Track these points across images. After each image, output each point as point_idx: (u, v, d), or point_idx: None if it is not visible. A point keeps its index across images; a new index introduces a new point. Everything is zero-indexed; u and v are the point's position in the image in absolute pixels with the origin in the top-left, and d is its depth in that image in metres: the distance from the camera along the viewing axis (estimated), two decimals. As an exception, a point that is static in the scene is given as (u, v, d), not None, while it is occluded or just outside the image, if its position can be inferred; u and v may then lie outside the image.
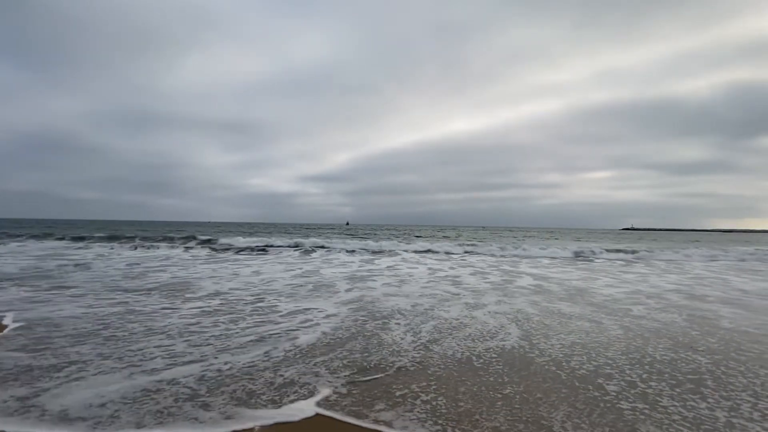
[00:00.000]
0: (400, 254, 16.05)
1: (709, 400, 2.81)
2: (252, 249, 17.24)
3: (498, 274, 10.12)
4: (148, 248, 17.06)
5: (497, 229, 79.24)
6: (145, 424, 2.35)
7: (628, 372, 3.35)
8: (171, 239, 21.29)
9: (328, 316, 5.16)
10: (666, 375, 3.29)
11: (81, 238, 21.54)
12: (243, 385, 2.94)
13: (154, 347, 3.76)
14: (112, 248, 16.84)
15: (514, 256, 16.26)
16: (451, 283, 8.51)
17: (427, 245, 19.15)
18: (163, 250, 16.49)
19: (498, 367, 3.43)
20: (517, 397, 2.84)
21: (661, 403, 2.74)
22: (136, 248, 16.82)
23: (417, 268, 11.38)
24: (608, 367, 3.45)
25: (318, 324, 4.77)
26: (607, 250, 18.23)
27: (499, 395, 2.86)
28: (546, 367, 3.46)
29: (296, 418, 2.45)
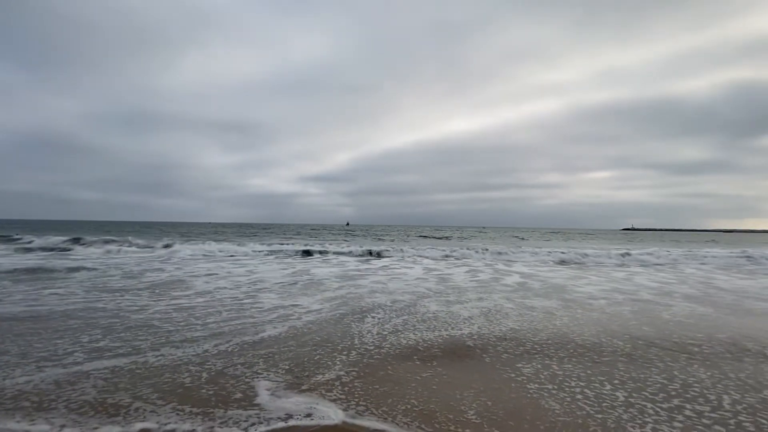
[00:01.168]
0: (396, 254, 16.32)
1: (615, 381, 3.14)
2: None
3: (489, 273, 10.44)
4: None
5: (497, 230, 79.41)
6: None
7: (548, 355, 3.74)
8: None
9: (308, 312, 5.46)
10: (585, 358, 3.66)
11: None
12: (154, 381, 2.96)
13: (88, 341, 3.89)
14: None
15: (511, 255, 16.52)
16: (439, 281, 8.82)
17: (425, 246, 19.42)
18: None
19: (436, 352, 3.81)
20: (437, 379, 3.17)
21: (567, 384, 3.08)
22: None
23: (412, 267, 11.65)
24: (533, 351, 3.86)
25: (295, 318, 5.06)
26: (603, 251, 18.46)
27: (419, 378, 3.17)
28: (477, 351, 3.86)
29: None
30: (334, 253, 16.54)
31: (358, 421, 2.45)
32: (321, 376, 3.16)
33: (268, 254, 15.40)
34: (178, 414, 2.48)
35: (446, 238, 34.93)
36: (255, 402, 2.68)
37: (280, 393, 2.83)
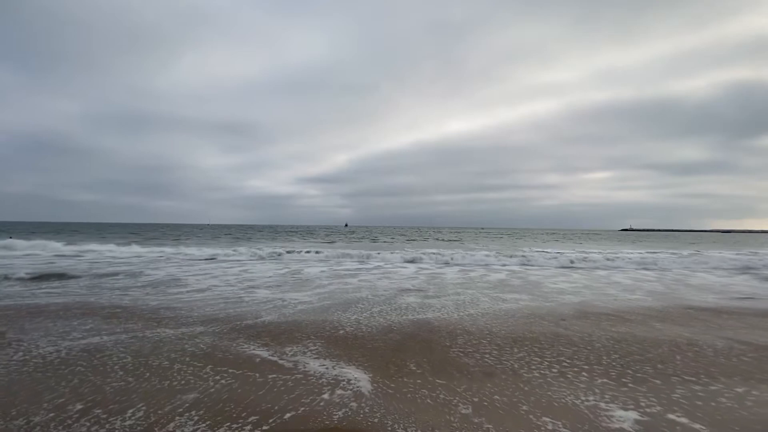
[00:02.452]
0: (392, 254, 16.86)
1: (518, 353, 3.78)
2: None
3: (481, 271, 11.03)
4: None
5: (496, 231, 79.85)
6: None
7: (486, 329, 4.58)
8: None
9: (299, 303, 6.06)
10: (508, 338, 4.31)
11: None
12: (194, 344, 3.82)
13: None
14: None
15: (504, 255, 17.07)
16: (428, 278, 9.42)
17: (422, 246, 19.96)
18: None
19: (402, 327, 4.56)
20: (396, 344, 4.02)
21: (485, 348, 3.89)
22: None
23: (406, 267, 12.22)
24: (476, 327, 4.65)
25: (284, 307, 5.67)
26: (598, 251, 18.99)
27: (382, 343, 3.96)
28: (435, 326, 4.70)
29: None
30: (327, 254, 17.07)
31: (339, 372, 3.06)
32: (310, 343, 3.97)
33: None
34: (217, 370, 3.10)
35: (444, 240, 35.42)
36: (261, 358, 3.34)
37: (276, 354, 3.59)
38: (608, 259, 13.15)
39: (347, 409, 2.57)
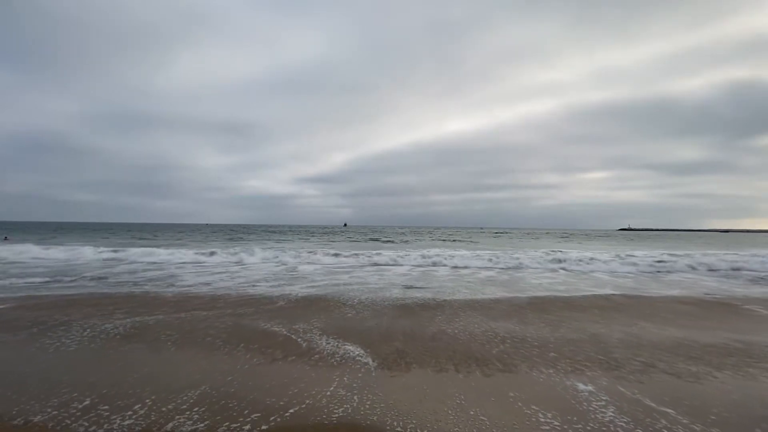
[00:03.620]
0: (387, 252, 17.36)
1: (457, 327, 4.45)
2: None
3: (471, 269, 11.53)
4: None
5: (495, 230, 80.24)
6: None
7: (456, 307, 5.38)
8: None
9: (293, 294, 6.59)
10: (461, 313, 5.06)
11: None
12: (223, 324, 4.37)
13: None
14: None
15: (496, 254, 17.59)
16: (419, 275, 9.96)
17: (421, 246, 20.45)
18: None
19: (380, 306, 5.23)
20: (377, 320, 4.71)
21: (442, 321, 4.70)
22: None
23: (399, 264, 12.73)
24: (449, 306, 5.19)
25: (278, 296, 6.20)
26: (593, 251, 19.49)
27: (365, 321, 4.46)
28: (395, 305, 5.33)
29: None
30: (324, 253, 17.54)
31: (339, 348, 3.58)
32: (314, 320, 4.52)
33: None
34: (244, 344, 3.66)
35: (443, 240, 35.86)
36: (282, 334, 3.90)
37: (290, 327, 4.13)
38: (585, 263, 13.67)
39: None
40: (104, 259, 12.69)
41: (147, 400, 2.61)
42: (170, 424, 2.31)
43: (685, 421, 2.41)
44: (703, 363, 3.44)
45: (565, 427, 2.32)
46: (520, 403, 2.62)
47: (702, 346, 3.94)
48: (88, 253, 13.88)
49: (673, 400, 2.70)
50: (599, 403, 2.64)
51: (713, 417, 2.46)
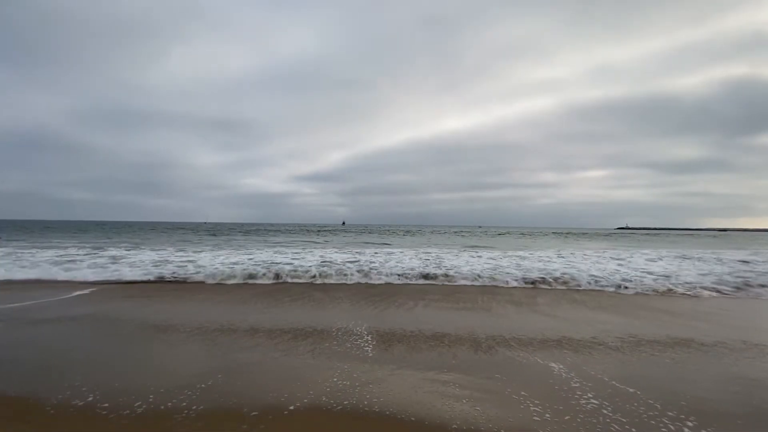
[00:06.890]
0: (383, 251, 17.67)
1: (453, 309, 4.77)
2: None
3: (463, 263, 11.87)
4: None
5: (493, 229, 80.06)
6: None
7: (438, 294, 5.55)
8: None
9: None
10: (439, 300, 5.28)
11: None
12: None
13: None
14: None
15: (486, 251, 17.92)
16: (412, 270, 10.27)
17: (421, 245, 20.70)
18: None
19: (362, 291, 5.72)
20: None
21: (421, 304, 5.19)
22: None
23: (391, 259, 13.04)
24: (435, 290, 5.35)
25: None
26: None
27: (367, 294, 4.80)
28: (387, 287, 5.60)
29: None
30: (322, 250, 17.81)
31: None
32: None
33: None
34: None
35: (443, 242, 35.86)
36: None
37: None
38: (562, 257, 14.03)
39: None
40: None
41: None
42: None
43: None
44: None
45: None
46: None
47: None
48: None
49: None
50: None
51: None
